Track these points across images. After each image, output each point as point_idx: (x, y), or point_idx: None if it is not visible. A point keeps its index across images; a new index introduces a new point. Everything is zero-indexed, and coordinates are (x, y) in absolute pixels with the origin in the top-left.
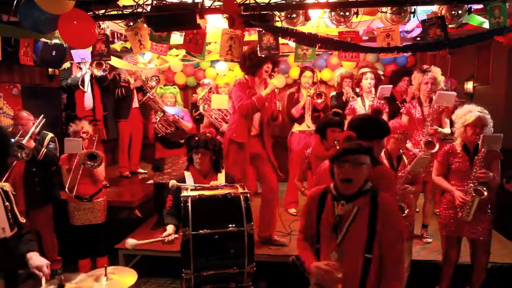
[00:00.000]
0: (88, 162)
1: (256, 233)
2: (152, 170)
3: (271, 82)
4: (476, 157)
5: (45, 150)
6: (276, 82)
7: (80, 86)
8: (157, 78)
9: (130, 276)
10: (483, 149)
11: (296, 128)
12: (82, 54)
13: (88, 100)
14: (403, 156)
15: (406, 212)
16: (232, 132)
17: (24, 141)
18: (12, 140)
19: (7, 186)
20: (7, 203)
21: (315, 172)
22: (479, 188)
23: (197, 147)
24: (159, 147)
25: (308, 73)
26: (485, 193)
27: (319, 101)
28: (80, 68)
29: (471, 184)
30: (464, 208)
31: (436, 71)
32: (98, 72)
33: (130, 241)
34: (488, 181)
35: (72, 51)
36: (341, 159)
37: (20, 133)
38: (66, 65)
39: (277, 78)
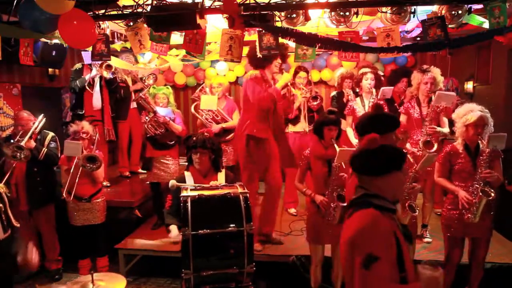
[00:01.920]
0: (88, 165)
1: (256, 230)
2: (143, 169)
3: (284, 75)
4: (480, 157)
5: (46, 149)
6: (289, 76)
7: (87, 87)
8: (154, 76)
9: (118, 282)
10: (487, 149)
11: (291, 129)
12: None
13: (96, 100)
14: (407, 155)
15: (417, 211)
16: (253, 128)
17: (23, 142)
18: (12, 141)
19: (1, 188)
20: (0, 205)
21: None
22: (486, 189)
23: (195, 147)
24: (149, 146)
25: (302, 74)
26: (492, 194)
27: (314, 103)
28: (91, 70)
29: (477, 185)
30: (470, 209)
31: (436, 71)
32: (107, 75)
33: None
34: (492, 181)
35: (82, 52)
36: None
37: (20, 133)
38: (78, 65)
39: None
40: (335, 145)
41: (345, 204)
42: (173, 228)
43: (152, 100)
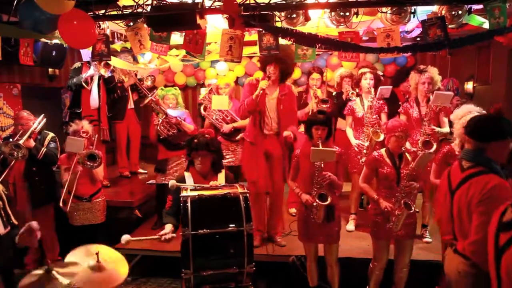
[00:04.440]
0: (88, 163)
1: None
2: (155, 172)
3: (261, 83)
4: None
5: (45, 149)
6: (263, 84)
7: (84, 84)
8: (152, 77)
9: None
10: None
11: (302, 128)
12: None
13: (93, 99)
14: (406, 154)
15: (413, 208)
16: (246, 132)
17: (21, 141)
18: (10, 139)
19: None
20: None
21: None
22: None
23: (197, 149)
24: (162, 148)
25: (315, 75)
26: None
27: (324, 106)
28: (90, 68)
29: None
30: None
31: (433, 71)
32: (106, 73)
33: (124, 237)
34: None
35: (81, 49)
36: None
37: (20, 133)
38: (77, 64)
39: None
40: (320, 145)
41: (326, 203)
42: (167, 227)
43: (161, 101)
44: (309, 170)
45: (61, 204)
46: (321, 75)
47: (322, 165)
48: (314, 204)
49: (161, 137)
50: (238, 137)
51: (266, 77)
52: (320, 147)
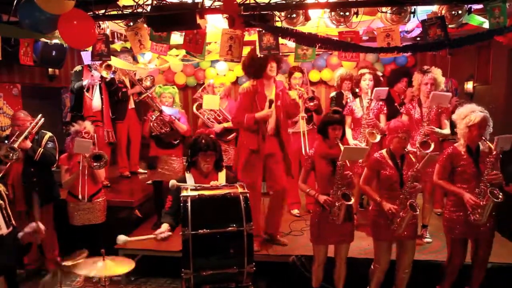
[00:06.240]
0: (94, 164)
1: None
2: (148, 168)
3: (267, 112)
4: (487, 159)
5: (42, 150)
6: (269, 113)
7: (86, 92)
8: (151, 77)
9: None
10: (495, 151)
11: (289, 129)
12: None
13: (96, 102)
14: (409, 155)
15: (418, 210)
16: (243, 140)
17: (16, 143)
18: (6, 141)
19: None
20: (1, 202)
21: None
22: (495, 191)
23: (207, 150)
24: (153, 145)
25: (297, 74)
26: (501, 196)
27: (311, 104)
28: (91, 71)
29: (483, 187)
30: (478, 211)
31: (437, 72)
32: (107, 75)
33: (121, 237)
34: (497, 182)
35: (82, 53)
36: None
37: (17, 133)
38: (78, 68)
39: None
40: (340, 144)
41: (350, 203)
42: (163, 226)
43: (158, 99)
44: (325, 170)
45: (80, 196)
46: (302, 74)
47: (348, 164)
48: (337, 204)
49: (153, 134)
50: (229, 137)
51: (269, 100)
52: (342, 146)
